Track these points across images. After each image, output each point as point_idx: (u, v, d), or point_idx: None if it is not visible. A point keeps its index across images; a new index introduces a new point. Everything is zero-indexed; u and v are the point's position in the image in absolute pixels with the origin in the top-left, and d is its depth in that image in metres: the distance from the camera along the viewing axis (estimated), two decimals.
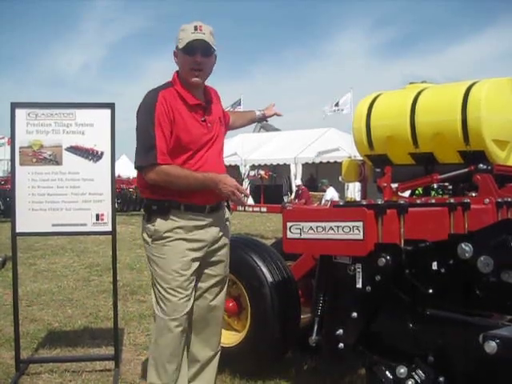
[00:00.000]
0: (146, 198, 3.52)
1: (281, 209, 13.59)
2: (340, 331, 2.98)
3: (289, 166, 28.82)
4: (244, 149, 29.76)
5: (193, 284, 3.46)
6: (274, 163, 29.13)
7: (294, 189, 25.09)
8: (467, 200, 3.49)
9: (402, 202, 2.98)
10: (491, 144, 7.72)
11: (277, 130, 39.90)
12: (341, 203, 3.01)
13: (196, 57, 3.34)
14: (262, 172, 19.22)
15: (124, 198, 25.08)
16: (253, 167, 27.58)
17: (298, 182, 24.49)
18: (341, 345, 2.98)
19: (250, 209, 14.03)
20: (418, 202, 3.54)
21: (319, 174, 30.58)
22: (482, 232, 2.72)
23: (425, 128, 8.25)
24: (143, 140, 3.37)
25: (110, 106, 4.56)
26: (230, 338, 4.08)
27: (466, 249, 2.50)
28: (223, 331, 3.79)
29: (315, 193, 22.66)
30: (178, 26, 3.36)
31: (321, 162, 28.30)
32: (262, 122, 4.31)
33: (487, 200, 3.84)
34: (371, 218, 2.65)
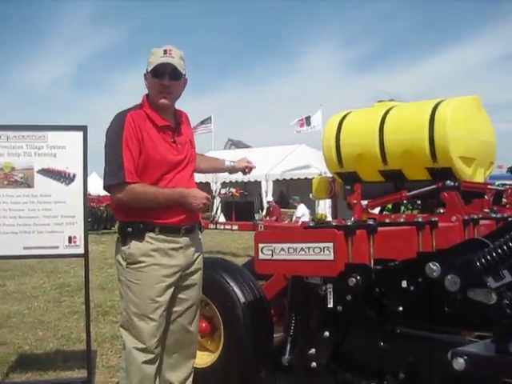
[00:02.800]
0: (120, 221, 3.52)
1: (252, 226, 13.65)
2: (312, 350, 3.02)
3: (260, 182, 28.90)
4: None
5: (166, 311, 3.43)
6: (245, 180, 29.13)
7: (265, 205, 25.17)
8: (435, 218, 3.57)
9: (371, 222, 3.03)
10: (458, 161, 7.87)
11: (248, 146, 40.03)
12: (311, 224, 3.05)
13: (164, 80, 3.40)
14: (233, 190, 19.24)
15: (94, 217, 24.89)
16: (224, 184, 27.57)
17: (269, 198, 24.55)
18: (313, 364, 3.02)
19: (222, 226, 14.04)
20: (387, 220, 3.60)
21: (290, 190, 30.69)
22: (448, 251, 2.79)
23: (393, 146, 8.38)
24: (111, 160, 3.37)
25: (83, 128, 4.55)
26: (204, 358, 4.09)
27: (434, 268, 2.56)
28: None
29: (286, 209, 22.74)
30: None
31: (291, 179, 28.40)
32: (231, 173, 4.19)
33: (454, 218, 3.93)
34: (341, 239, 2.71)
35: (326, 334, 2.97)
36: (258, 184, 29.09)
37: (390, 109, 8.71)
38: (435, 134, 7.80)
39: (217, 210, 22.47)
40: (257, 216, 15.83)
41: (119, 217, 3.52)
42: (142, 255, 3.37)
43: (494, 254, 2.39)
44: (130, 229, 3.41)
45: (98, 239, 20.14)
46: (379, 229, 2.96)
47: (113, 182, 3.36)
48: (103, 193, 26.40)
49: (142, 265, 3.38)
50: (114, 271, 11.14)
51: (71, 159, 4.49)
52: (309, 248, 2.75)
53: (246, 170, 4.14)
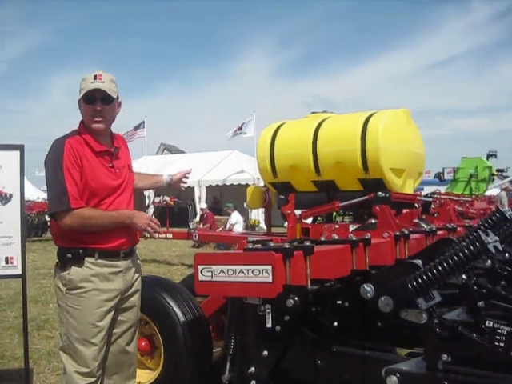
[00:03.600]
0: (59, 246, 3.49)
1: (187, 235, 13.67)
2: (252, 369, 3.08)
3: (193, 188, 28.81)
4: (148, 171, 29.29)
5: (106, 335, 3.42)
6: None
7: (199, 212, 25.11)
8: (368, 235, 3.68)
9: (307, 243, 3.12)
10: (389, 172, 8.14)
11: (181, 151, 39.85)
12: (250, 246, 3.11)
13: (96, 105, 3.41)
14: (167, 198, 19.06)
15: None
16: (157, 192, 27.32)
17: (203, 205, 24.53)
18: (253, 382, 3.07)
19: (156, 235, 13.94)
20: (323, 239, 3.69)
21: (223, 196, 30.73)
22: (382, 273, 2.91)
23: (326, 157, 8.59)
24: (54, 187, 3.38)
25: (19, 147, 4.51)
26: (144, 376, 4.10)
27: (368, 289, 2.66)
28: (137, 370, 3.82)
29: (220, 217, 22.74)
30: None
31: (225, 185, 28.45)
32: (171, 186, 4.22)
33: (386, 234, 4.05)
34: (279, 262, 2.78)
35: (265, 352, 3.04)
36: (191, 190, 28.96)
37: (324, 120, 8.92)
38: (367, 146, 8.04)
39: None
40: (191, 224, 15.79)
41: (58, 242, 3.48)
42: (82, 281, 3.37)
43: (425, 277, 2.52)
44: (69, 254, 3.40)
45: (28, 247, 19.25)
46: (315, 249, 3.04)
47: (58, 208, 3.34)
48: (32, 199, 25.91)
49: (82, 290, 3.37)
50: (47, 282, 10.98)
51: (8, 179, 4.39)
52: (248, 270, 2.81)
53: (184, 179, 4.22)
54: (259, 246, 3.12)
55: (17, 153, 4.45)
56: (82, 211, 3.29)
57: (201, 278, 3.01)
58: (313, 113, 9.56)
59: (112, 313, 3.42)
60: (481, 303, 2.87)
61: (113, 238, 3.39)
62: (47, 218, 22.82)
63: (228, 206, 20.79)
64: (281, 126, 9.13)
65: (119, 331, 3.54)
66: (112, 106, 3.49)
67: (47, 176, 3.45)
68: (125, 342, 3.57)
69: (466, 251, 2.44)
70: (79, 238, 3.36)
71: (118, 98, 3.52)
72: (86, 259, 3.36)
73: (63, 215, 3.29)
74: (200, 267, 3.01)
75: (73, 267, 3.38)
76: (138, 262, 3.65)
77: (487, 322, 2.42)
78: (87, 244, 3.36)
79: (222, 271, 2.92)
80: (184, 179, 4.22)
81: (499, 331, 2.39)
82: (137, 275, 3.59)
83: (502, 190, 18.80)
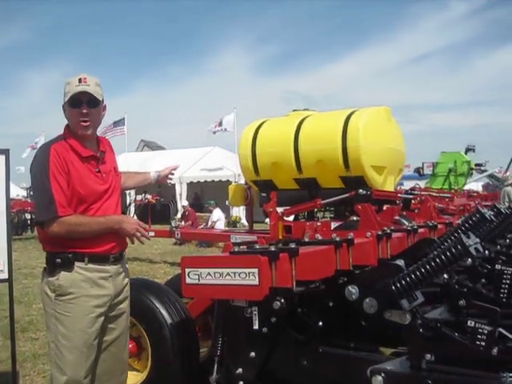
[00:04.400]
0: (47, 251, 3.44)
1: (169, 233, 13.66)
2: (239, 370, 3.12)
3: (174, 185, 28.74)
4: (128, 168, 29.08)
5: (96, 341, 3.39)
6: None
7: (180, 209, 25.05)
8: (351, 235, 3.73)
9: (293, 245, 3.17)
10: (370, 170, 8.22)
11: (161, 148, 39.70)
12: (236, 250, 3.15)
13: (82, 109, 3.36)
14: (149, 196, 19.00)
15: None
16: (138, 190, 27.17)
17: (185, 203, 24.49)
18: (240, 383, 3.12)
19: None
20: (306, 239, 3.74)
21: (204, 192, 30.71)
22: (366, 274, 2.97)
23: (308, 155, 8.65)
24: (41, 195, 3.35)
25: (5, 152, 4.44)
26: (132, 378, 4.12)
27: (353, 291, 2.72)
28: None
29: (201, 214, 22.72)
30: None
31: (206, 181, 28.41)
32: (159, 183, 4.29)
33: (369, 234, 4.09)
34: (266, 265, 2.81)
35: (252, 354, 3.08)
36: (172, 187, 28.87)
37: (305, 118, 8.97)
38: (348, 143, 8.11)
39: (133, 215, 22.17)
40: (173, 222, 15.77)
41: (47, 247, 3.45)
42: (72, 286, 3.33)
43: (408, 279, 2.58)
44: (58, 259, 3.35)
45: None
46: (300, 251, 3.09)
47: (46, 217, 3.30)
48: (12, 196, 25.69)
49: (72, 296, 3.33)
50: (30, 282, 10.91)
51: None
52: (234, 273, 2.85)
53: (170, 175, 4.28)
54: (245, 248, 3.15)
55: (2, 157, 4.40)
56: (70, 218, 3.26)
57: (188, 280, 3.03)
58: (294, 110, 9.61)
59: (102, 318, 3.39)
60: (462, 302, 2.95)
61: (102, 242, 3.37)
62: (27, 216, 22.74)
63: (210, 203, 20.74)
64: (262, 123, 9.17)
65: (110, 339, 3.49)
66: (98, 110, 3.45)
67: (33, 184, 3.42)
68: (117, 348, 3.53)
69: (448, 254, 2.50)
70: (68, 243, 3.31)
71: (103, 101, 3.48)
72: (76, 264, 3.31)
73: (51, 223, 3.24)
74: (187, 270, 3.03)
75: (62, 272, 3.32)
76: (127, 266, 3.66)
77: (469, 321, 2.47)
78: (76, 248, 3.32)
79: (209, 274, 2.94)
80: (170, 175, 4.27)
81: (480, 330, 2.45)
82: (126, 281, 3.57)
83: (509, 185, 18.78)
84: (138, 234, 3.40)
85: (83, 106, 3.36)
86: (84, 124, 3.38)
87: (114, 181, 3.56)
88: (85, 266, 3.33)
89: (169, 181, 4.31)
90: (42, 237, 3.43)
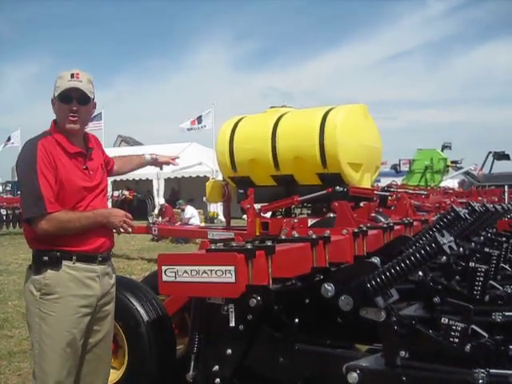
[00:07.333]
0: (34, 249, 3.37)
1: (146, 230, 13.61)
2: (216, 367, 3.12)
3: (151, 181, 28.65)
4: None
5: (81, 342, 3.35)
6: (137, 178, 28.63)
7: (158, 205, 24.99)
8: (327, 233, 3.75)
9: (269, 242, 3.18)
10: (346, 167, 8.30)
11: (138, 143, 39.57)
12: (213, 247, 3.15)
13: (72, 105, 3.30)
14: (126, 192, 18.95)
15: None
16: (114, 183, 27.03)
17: (162, 201, 24.41)
18: (217, 380, 3.11)
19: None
20: (283, 236, 3.76)
21: (182, 188, 30.68)
22: (342, 272, 2.99)
23: (285, 152, 8.71)
24: (29, 192, 3.28)
25: None
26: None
27: (329, 288, 2.73)
28: None
29: (178, 210, 22.71)
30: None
31: (183, 177, 28.34)
32: (157, 166, 4.31)
33: (345, 231, 4.12)
34: (242, 262, 2.82)
35: (229, 351, 3.08)
36: (149, 182, 28.81)
37: (282, 115, 9.02)
38: (325, 141, 8.19)
39: None
40: (150, 218, 15.68)
41: (34, 245, 3.38)
42: (58, 285, 3.26)
43: (383, 277, 2.60)
44: (46, 257, 3.28)
45: None
46: (277, 248, 3.10)
47: (34, 214, 3.23)
48: None
49: (57, 295, 3.26)
50: (5, 279, 10.78)
51: None
52: (211, 271, 2.85)
53: (171, 162, 4.29)
54: (222, 246, 3.16)
55: None
56: (59, 215, 3.18)
57: (164, 278, 3.03)
58: (272, 107, 9.64)
59: (88, 319, 3.32)
60: (436, 299, 2.98)
61: (90, 240, 3.32)
62: (3, 212, 22.46)
63: (179, 202, 20.71)
64: (240, 120, 9.20)
65: (94, 341, 3.44)
66: (88, 107, 3.41)
67: (20, 180, 3.34)
68: (101, 350, 3.48)
69: (423, 252, 2.52)
70: (56, 241, 3.24)
71: (93, 98, 3.42)
72: (64, 262, 3.24)
73: (39, 220, 3.17)
74: (164, 268, 3.02)
75: (49, 271, 3.24)
76: (113, 267, 3.63)
77: (443, 318, 2.50)
78: (64, 247, 3.24)
79: (185, 272, 2.94)
80: (168, 164, 4.33)
81: (454, 327, 2.47)
82: (112, 282, 3.53)
83: None
84: (126, 226, 3.36)
85: (73, 102, 3.31)
86: (72, 119, 3.33)
87: (101, 178, 3.51)
88: (72, 265, 3.26)
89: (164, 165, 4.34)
90: (29, 234, 3.35)
